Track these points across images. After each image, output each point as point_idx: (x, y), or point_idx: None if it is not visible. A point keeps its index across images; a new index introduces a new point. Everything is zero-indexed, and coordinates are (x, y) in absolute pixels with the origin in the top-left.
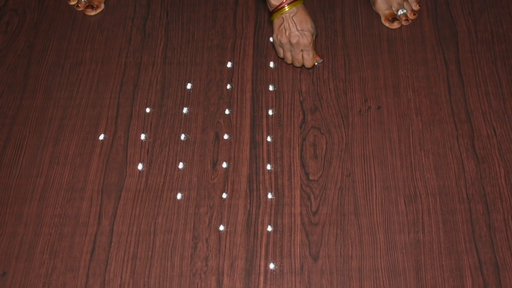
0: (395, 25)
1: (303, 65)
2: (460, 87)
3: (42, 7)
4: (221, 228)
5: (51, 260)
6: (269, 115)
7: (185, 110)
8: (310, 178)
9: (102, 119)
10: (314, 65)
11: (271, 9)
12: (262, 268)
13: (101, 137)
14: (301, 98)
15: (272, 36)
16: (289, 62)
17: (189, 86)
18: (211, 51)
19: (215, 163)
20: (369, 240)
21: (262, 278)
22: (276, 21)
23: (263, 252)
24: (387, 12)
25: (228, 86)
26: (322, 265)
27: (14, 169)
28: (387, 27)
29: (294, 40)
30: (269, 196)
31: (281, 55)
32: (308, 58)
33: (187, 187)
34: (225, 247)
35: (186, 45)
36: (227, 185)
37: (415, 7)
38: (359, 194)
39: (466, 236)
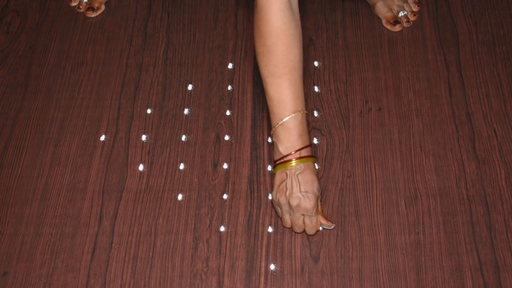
0: (397, 28)
1: (304, 231)
2: (461, 89)
3: (44, 8)
4: (222, 229)
5: (52, 260)
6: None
7: (186, 111)
8: None
9: (103, 120)
10: (317, 231)
11: (276, 159)
12: (263, 269)
13: (102, 138)
14: None
15: (271, 193)
16: (288, 226)
17: (190, 87)
18: (212, 52)
19: (216, 164)
20: (369, 241)
21: (262, 279)
22: (278, 176)
23: (263, 253)
24: (388, 15)
25: (229, 87)
26: (322, 266)
27: (15, 170)
28: (388, 30)
29: (294, 203)
30: (270, 197)
31: (279, 215)
32: (311, 225)
33: (188, 188)
34: (226, 248)
35: (187, 46)
36: (228, 186)
37: (415, 8)
38: (360, 195)
39: (466, 237)
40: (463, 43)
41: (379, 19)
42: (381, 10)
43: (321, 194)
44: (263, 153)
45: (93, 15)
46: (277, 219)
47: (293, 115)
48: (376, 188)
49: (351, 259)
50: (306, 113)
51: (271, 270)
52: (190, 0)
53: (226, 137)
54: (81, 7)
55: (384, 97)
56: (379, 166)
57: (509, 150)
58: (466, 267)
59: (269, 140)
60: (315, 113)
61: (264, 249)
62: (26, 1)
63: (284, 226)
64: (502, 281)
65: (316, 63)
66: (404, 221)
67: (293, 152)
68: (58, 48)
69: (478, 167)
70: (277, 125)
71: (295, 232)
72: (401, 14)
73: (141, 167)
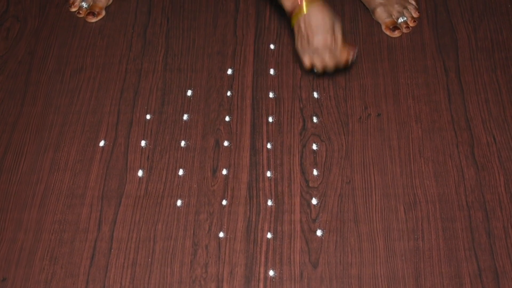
0: (396, 33)
1: (337, 68)
2: (460, 95)
3: (43, 13)
4: (221, 234)
5: (51, 266)
6: (269, 122)
7: (185, 116)
8: (310, 185)
9: (102, 125)
10: (348, 61)
11: (289, 13)
12: (262, 275)
13: (102, 143)
14: (301, 105)
15: (294, 43)
16: (321, 70)
17: (189, 92)
18: (212, 58)
19: (215, 170)
20: (368, 248)
21: (261, 285)
22: (296, 26)
23: (262, 259)
24: (387, 20)
25: (229, 93)
26: (321, 272)
27: (14, 175)
28: (388, 36)
29: (320, 44)
30: (269, 203)
31: (308, 64)
32: (341, 57)
33: (187, 194)
34: (225, 254)
35: (186, 52)
36: (227, 192)
37: (415, 14)
38: (359, 201)
39: (465, 243)
40: (462, 49)
41: (379, 25)
42: (381, 15)
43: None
44: (262, 159)
45: (94, 20)
46: (276, 225)
47: None
48: (375, 194)
49: (350, 265)
50: None
51: (270, 276)
52: (190, 6)
53: (225, 143)
54: (81, 12)
55: (383, 103)
56: (378, 172)
57: (508, 156)
58: (465, 274)
59: (269, 146)
60: (314, 119)
61: (263, 255)
62: (25, 6)
63: (316, 74)
64: (501, 287)
65: (315, 69)
66: (403, 227)
67: (299, 2)
68: (57, 53)
69: (477, 173)
70: None
71: (330, 73)
72: (400, 20)
73: (140, 173)
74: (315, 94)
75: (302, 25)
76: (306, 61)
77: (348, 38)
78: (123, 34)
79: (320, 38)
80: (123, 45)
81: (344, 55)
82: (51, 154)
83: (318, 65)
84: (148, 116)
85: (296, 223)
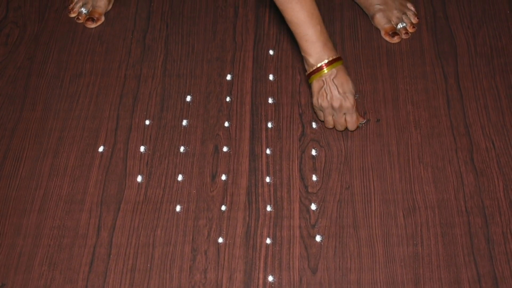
0: (396, 39)
1: (346, 128)
2: (459, 101)
3: (43, 19)
4: (220, 240)
5: (50, 271)
6: (269, 127)
7: (184, 122)
8: (309, 190)
9: (101, 131)
10: (358, 127)
11: (309, 70)
12: (261, 281)
13: (101, 149)
14: (301, 111)
15: (312, 100)
16: (331, 126)
17: (188, 98)
18: (211, 64)
19: (214, 176)
20: (368, 253)
21: None
22: (316, 84)
23: (262, 265)
24: (386, 26)
25: (228, 99)
26: (320, 278)
27: (14, 181)
28: (387, 41)
29: (336, 104)
30: (268, 208)
31: (322, 119)
32: (352, 121)
33: (186, 199)
34: (224, 259)
35: (185, 57)
36: (226, 197)
37: (414, 20)
38: (358, 207)
39: (464, 249)
40: (461, 55)
41: (378, 31)
42: (380, 21)
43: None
44: (262, 165)
45: (93, 25)
46: (276, 231)
47: (313, 30)
48: (374, 199)
49: (349, 270)
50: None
51: (269, 282)
52: (189, 12)
53: (225, 149)
54: (80, 18)
55: (382, 108)
56: (377, 177)
57: (507, 162)
58: (464, 279)
59: (268, 151)
60: (314, 125)
61: (262, 260)
62: (25, 12)
63: (327, 127)
64: None
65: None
66: (403, 233)
67: (325, 62)
68: (56, 59)
69: (476, 178)
70: (302, 42)
71: (338, 130)
72: (400, 26)
73: (139, 178)
74: None
75: (325, 83)
76: (320, 117)
77: (347, 44)
78: (123, 40)
79: (341, 98)
80: (122, 50)
81: (357, 121)
82: (50, 159)
83: (330, 123)
84: (147, 122)
85: (295, 228)
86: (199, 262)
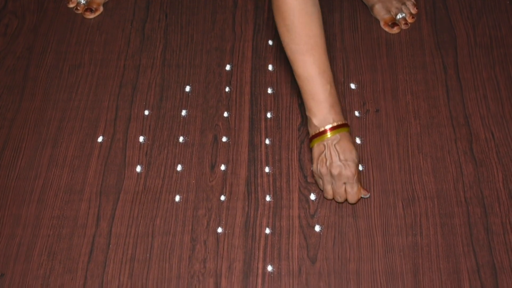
0: (395, 30)
1: (346, 200)
2: (459, 91)
3: (41, 9)
4: (219, 230)
5: (49, 261)
6: (268, 117)
7: (183, 112)
8: (308, 180)
9: (100, 121)
10: (358, 200)
11: (311, 133)
12: (260, 271)
13: (100, 139)
14: (300, 101)
15: (312, 166)
16: (330, 197)
17: (187, 88)
18: (210, 54)
19: (214, 166)
20: (367, 243)
21: (260, 280)
22: (316, 149)
23: (261, 255)
24: (386, 17)
25: (227, 89)
26: (320, 267)
27: (13, 171)
28: (386, 32)
29: (335, 172)
30: (267, 198)
31: (321, 187)
32: (352, 192)
33: (186, 189)
34: (223, 249)
35: (185, 47)
36: (226, 187)
37: (413, 10)
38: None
39: (464, 239)
40: (461, 45)
41: (377, 21)
42: (379, 12)
43: (359, 161)
44: (261, 155)
45: (91, 16)
46: (275, 221)
47: (322, 88)
48: (373, 189)
49: (349, 260)
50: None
51: (269, 272)
52: (188, 2)
53: (224, 139)
54: (79, 8)
55: (381, 99)
56: (376, 167)
57: (507, 152)
58: (463, 269)
59: (267, 141)
60: None
61: (261, 250)
62: (23, 2)
63: (325, 198)
64: (499, 283)
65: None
66: (402, 223)
67: (329, 126)
68: (55, 49)
69: (475, 169)
70: (309, 100)
71: (337, 202)
72: (399, 16)
73: (138, 169)
74: None
75: (326, 148)
76: (320, 185)
77: (346, 35)
78: (121, 30)
79: (341, 165)
80: (121, 41)
81: (358, 193)
82: (50, 149)
83: (329, 193)
84: (146, 112)
85: (295, 218)
86: (199, 252)
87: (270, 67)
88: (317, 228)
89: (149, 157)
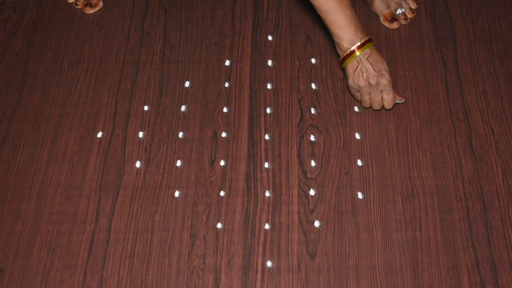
0: (394, 25)
1: (382, 107)
2: (458, 86)
3: (41, 5)
4: (219, 226)
5: (49, 257)
6: (267, 113)
7: (183, 108)
8: (308, 176)
9: (100, 117)
10: (394, 105)
11: (342, 55)
12: (260, 266)
13: (99, 134)
14: (299, 97)
15: (347, 82)
16: (367, 105)
17: (187, 84)
18: (209, 49)
19: (213, 161)
20: (366, 238)
21: (259, 276)
22: (350, 66)
23: (260, 250)
24: (385, 12)
25: (226, 84)
26: (319, 263)
27: (12, 167)
28: (386, 27)
29: (373, 81)
30: (267, 194)
31: (359, 99)
32: (388, 99)
33: (185, 185)
34: (223, 245)
35: (184, 43)
36: (225, 183)
37: (413, 5)
38: (357, 192)
39: (463, 234)
40: (460, 41)
41: (377, 16)
42: (379, 7)
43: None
44: (260, 150)
45: (91, 11)
46: (274, 216)
47: (344, 15)
48: (373, 185)
49: (348, 256)
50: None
51: (268, 267)
52: None
53: (223, 134)
54: (78, 3)
55: None
56: (376, 163)
57: (506, 148)
58: (462, 264)
59: (266, 137)
60: (312, 110)
61: (261, 246)
62: None
63: (363, 106)
64: (498, 278)
65: (313, 60)
66: (401, 218)
67: (358, 44)
68: (55, 45)
69: (475, 164)
70: (335, 28)
71: (374, 109)
72: (399, 11)
73: (138, 164)
74: (313, 86)
75: (360, 63)
76: (357, 97)
77: None
78: (121, 26)
79: (377, 75)
80: (121, 36)
81: (394, 99)
82: (49, 145)
83: (367, 102)
84: (146, 107)
85: (294, 214)
86: (198, 248)
87: (269, 63)
88: (317, 223)
89: (149, 152)
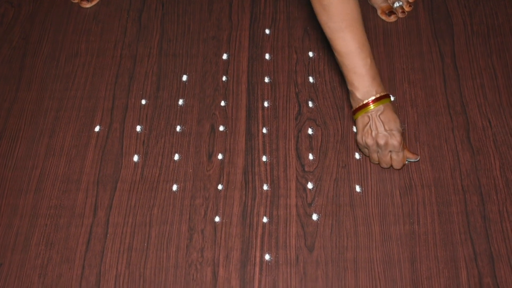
0: (392, 18)
1: (391, 166)
2: (456, 80)
3: None
4: (217, 219)
5: (47, 251)
6: (265, 106)
7: (180, 101)
8: (306, 169)
9: (97, 110)
10: (404, 165)
11: (354, 106)
12: (258, 259)
13: (97, 128)
14: (297, 90)
15: (356, 137)
16: (375, 162)
17: (184, 78)
18: (207, 43)
19: (211, 155)
20: (364, 232)
21: (257, 269)
22: (360, 120)
23: (258, 243)
24: (383, 5)
25: (224, 78)
26: (317, 256)
27: (10, 161)
28: (383, 20)
29: (382, 141)
30: (265, 187)
31: (367, 155)
32: (398, 159)
33: (183, 179)
34: (221, 238)
35: (181, 37)
36: (223, 176)
37: None
38: (355, 185)
39: (461, 227)
40: (458, 34)
41: (374, 11)
42: (377, 0)
43: (402, 129)
44: (258, 144)
45: (88, 5)
46: (272, 210)
47: (363, 62)
48: (371, 178)
49: (346, 249)
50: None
51: (266, 260)
52: None
53: (221, 128)
54: None
55: None
56: None
57: (504, 140)
58: (460, 257)
59: (264, 130)
60: (310, 104)
61: (259, 239)
62: None
63: (372, 162)
64: (496, 271)
65: (311, 54)
66: (399, 211)
67: (372, 98)
68: (52, 39)
69: (472, 157)
70: (351, 75)
71: (382, 167)
72: (396, 4)
73: (135, 158)
74: (311, 79)
75: (371, 119)
76: (365, 153)
77: None
78: (118, 19)
79: (387, 135)
80: (118, 30)
81: (404, 160)
82: (47, 139)
83: (375, 160)
84: (143, 101)
85: (292, 207)
86: (196, 241)
87: (267, 56)
88: (315, 217)
89: (146, 146)
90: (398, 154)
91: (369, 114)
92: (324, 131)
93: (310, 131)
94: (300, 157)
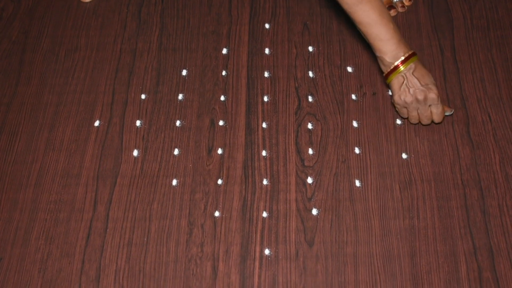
0: (392, 12)
1: (432, 121)
2: (456, 74)
3: None
4: (217, 214)
5: (47, 246)
6: (265, 101)
7: (180, 96)
8: (306, 164)
9: (97, 105)
10: (444, 118)
11: (386, 70)
12: (258, 254)
13: (97, 123)
14: (297, 85)
15: (393, 98)
16: (416, 121)
17: (184, 72)
18: (207, 38)
19: (211, 149)
20: (364, 226)
21: (257, 263)
22: (395, 81)
23: (258, 238)
24: None
25: (224, 73)
26: (317, 250)
27: (10, 156)
28: None
29: (421, 96)
30: (265, 182)
31: (406, 116)
32: (438, 112)
33: (183, 173)
34: (221, 233)
35: (181, 31)
36: (223, 171)
37: None
38: (354, 180)
39: (460, 221)
40: (457, 28)
41: None
42: None
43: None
44: (258, 138)
45: (88, 0)
46: (272, 204)
47: (386, 28)
48: (370, 173)
49: (346, 243)
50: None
51: (266, 255)
52: None
53: (221, 122)
54: None
55: (378, 81)
56: (373, 150)
57: (503, 135)
58: (460, 252)
59: (264, 125)
60: (310, 98)
61: (258, 234)
62: None
63: (411, 123)
64: (496, 265)
65: (310, 48)
66: (399, 206)
67: (402, 58)
68: (51, 33)
69: (472, 151)
70: (376, 42)
71: (423, 125)
72: None
73: (135, 153)
74: (310, 74)
75: (406, 78)
76: (404, 114)
77: (343, 18)
78: (118, 14)
79: (425, 90)
80: (118, 25)
81: (443, 112)
82: (46, 134)
83: (415, 118)
84: (143, 96)
85: (292, 202)
86: (196, 236)
87: (266, 51)
88: (314, 211)
89: (146, 141)
90: (438, 107)
91: (403, 74)
92: (324, 126)
93: (310, 126)
94: (300, 152)
